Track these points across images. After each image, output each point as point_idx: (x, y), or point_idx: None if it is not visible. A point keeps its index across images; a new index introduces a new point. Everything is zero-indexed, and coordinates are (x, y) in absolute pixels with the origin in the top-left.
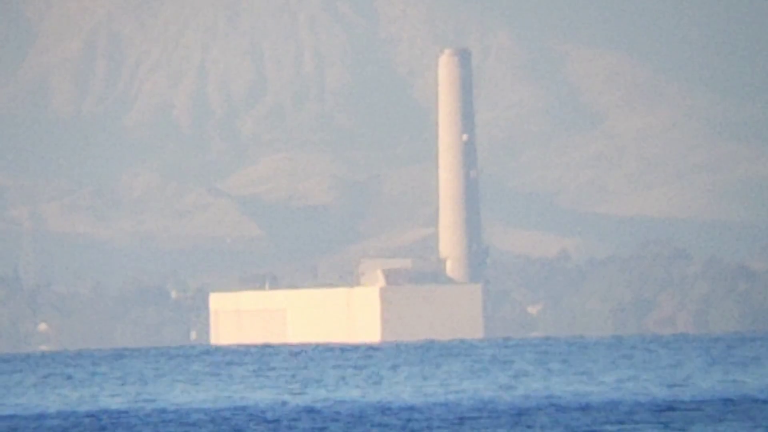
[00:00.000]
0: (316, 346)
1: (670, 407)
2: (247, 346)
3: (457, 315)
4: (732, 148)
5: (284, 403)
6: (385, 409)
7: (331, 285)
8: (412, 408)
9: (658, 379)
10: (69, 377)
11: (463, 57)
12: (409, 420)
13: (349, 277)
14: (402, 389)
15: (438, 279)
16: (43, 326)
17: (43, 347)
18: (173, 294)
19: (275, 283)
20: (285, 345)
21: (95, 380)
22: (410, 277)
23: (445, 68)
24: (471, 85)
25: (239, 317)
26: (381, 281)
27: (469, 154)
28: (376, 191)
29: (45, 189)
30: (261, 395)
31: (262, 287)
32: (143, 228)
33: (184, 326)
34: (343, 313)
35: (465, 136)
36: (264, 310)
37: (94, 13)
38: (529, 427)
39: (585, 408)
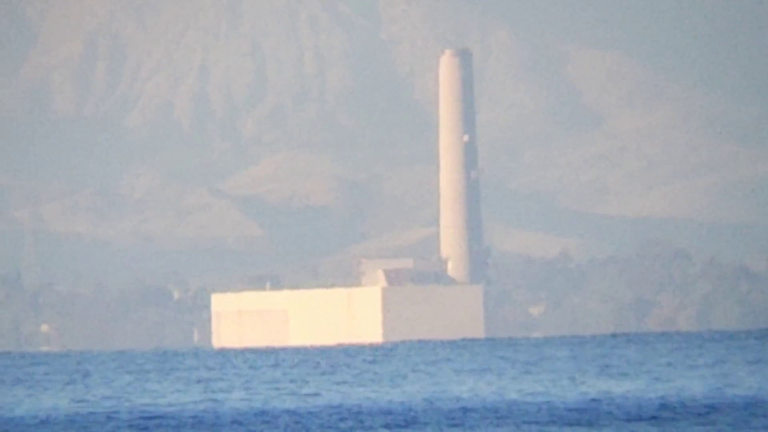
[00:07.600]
0: None
1: None
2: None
3: (458, 315)
4: (732, 148)
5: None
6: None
7: (332, 285)
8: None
9: None
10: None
11: (464, 57)
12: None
13: (350, 278)
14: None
15: (439, 279)
16: (45, 327)
17: (45, 348)
18: (175, 294)
19: (276, 284)
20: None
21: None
22: (411, 278)
23: (446, 69)
24: (472, 85)
25: (241, 318)
26: (382, 281)
27: (470, 154)
28: (377, 192)
29: (46, 190)
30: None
31: (263, 288)
32: (145, 228)
33: (185, 327)
34: (344, 314)
35: (466, 137)
36: (265, 311)
37: (95, 14)
38: None
39: None
